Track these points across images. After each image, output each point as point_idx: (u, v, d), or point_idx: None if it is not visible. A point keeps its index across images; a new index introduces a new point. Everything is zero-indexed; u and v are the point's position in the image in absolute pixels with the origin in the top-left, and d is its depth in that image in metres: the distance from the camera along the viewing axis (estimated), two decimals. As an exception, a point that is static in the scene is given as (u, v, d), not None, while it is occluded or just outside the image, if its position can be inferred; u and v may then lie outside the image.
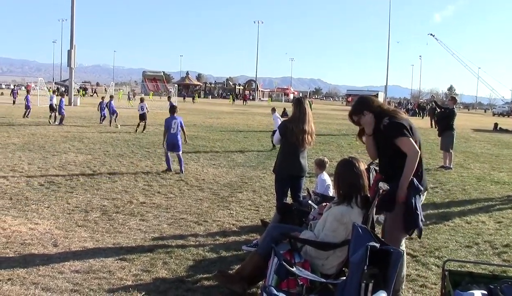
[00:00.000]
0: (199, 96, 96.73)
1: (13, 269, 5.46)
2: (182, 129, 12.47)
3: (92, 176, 11.31)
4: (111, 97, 28.97)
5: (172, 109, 12.81)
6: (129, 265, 5.77)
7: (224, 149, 17.68)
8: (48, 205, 8.43)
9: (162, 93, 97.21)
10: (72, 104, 47.13)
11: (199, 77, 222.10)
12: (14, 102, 43.63)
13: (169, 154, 12.32)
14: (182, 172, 12.03)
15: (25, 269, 5.50)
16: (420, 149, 4.79)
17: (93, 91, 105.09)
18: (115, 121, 25.74)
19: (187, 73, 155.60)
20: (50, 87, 66.67)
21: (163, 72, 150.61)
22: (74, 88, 56.61)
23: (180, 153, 12.35)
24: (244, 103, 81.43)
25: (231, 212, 8.56)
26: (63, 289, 5.02)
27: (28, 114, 28.43)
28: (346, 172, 4.66)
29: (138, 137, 19.90)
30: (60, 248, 6.32)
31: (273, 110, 19.55)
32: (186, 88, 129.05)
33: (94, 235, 6.90)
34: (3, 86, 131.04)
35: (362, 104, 5.02)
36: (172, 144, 12.18)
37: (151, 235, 7.02)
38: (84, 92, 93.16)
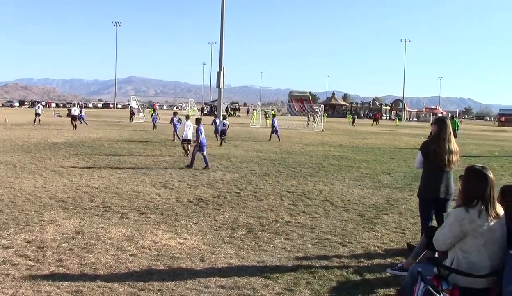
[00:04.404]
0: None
1: (163, 281, 5.81)
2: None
3: (238, 194, 11.71)
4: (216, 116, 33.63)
5: (198, 120, 16.85)
6: (273, 283, 5.87)
7: (370, 169, 17.41)
8: (196, 221, 8.87)
9: (308, 113, 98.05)
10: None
11: (345, 97, 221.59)
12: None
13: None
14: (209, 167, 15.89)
15: (174, 281, 5.83)
16: None
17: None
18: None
19: (333, 93, 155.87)
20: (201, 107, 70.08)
21: (309, 92, 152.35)
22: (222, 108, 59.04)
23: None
24: (375, 123, 73.33)
25: (376, 234, 8.40)
26: (209, 303, 5.26)
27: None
28: (471, 180, 4.63)
29: (284, 157, 20.27)
30: (207, 263, 6.60)
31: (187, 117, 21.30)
32: (332, 108, 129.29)
33: (240, 252, 7.13)
34: (163, 107, 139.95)
35: None
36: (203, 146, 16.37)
37: (295, 254, 7.10)
38: (233, 112, 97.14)
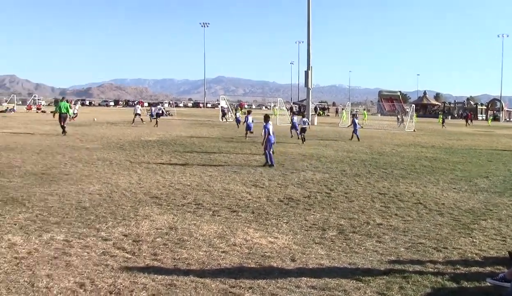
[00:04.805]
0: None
1: (254, 279, 5.87)
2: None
3: (329, 194, 11.60)
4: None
5: (266, 118, 16.97)
6: (365, 286, 5.76)
7: (466, 172, 16.69)
8: (287, 221, 8.88)
9: (399, 113, 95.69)
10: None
11: (437, 96, 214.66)
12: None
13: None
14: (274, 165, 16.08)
15: (265, 280, 5.87)
16: None
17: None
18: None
19: (425, 92, 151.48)
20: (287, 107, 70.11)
21: (400, 92, 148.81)
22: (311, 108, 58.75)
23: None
24: (468, 124, 68.86)
25: (474, 240, 8.02)
26: (301, 303, 5.22)
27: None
28: None
29: (375, 158, 19.88)
30: (298, 263, 6.59)
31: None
32: (424, 108, 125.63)
33: (331, 253, 7.06)
34: (252, 106, 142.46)
35: None
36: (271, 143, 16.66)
37: (387, 257, 6.93)
38: (322, 111, 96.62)
